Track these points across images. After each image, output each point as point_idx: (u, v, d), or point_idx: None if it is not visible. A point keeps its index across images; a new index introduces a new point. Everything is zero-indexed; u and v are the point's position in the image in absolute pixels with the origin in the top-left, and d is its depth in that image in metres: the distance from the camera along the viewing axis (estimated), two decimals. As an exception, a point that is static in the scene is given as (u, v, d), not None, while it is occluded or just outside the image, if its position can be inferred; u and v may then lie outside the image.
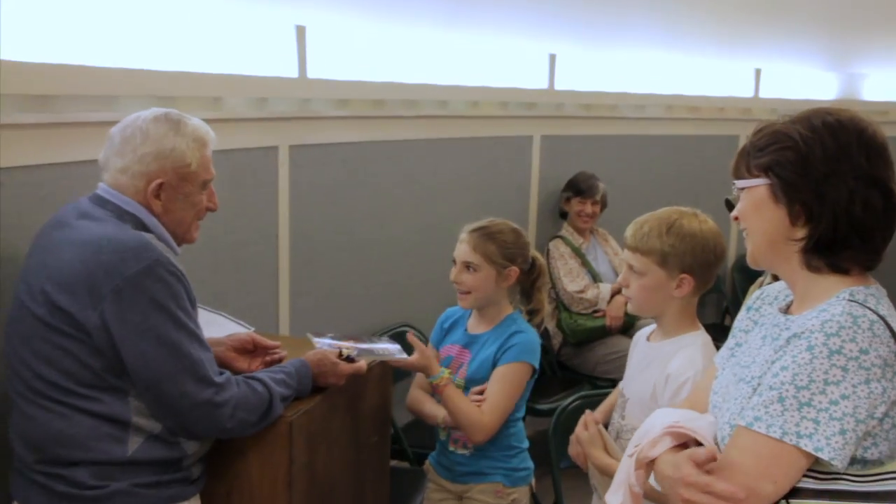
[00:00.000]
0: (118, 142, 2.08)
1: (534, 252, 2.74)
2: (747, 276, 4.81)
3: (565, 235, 4.54)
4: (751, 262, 1.73)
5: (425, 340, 3.12)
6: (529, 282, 2.73)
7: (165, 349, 1.92)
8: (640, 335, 2.47)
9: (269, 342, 2.39)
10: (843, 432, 1.46)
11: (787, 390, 1.49)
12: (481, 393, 2.60)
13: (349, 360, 2.34)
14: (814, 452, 1.46)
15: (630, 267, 2.32)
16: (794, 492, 1.50)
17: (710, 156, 5.43)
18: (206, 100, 2.99)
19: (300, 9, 3.29)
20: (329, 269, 3.59)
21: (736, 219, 1.72)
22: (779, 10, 5.61)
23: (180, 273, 2.00)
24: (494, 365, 2.61)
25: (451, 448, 2.71)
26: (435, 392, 2.59)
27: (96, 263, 1.92)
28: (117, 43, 2.67)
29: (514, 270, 2.65)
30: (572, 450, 2.26)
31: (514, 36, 4.36)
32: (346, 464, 2.46)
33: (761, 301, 1.84)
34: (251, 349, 2.37)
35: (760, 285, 2.35)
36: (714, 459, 1.52)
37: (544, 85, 4.62)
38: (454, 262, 2.68)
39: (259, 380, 2.10)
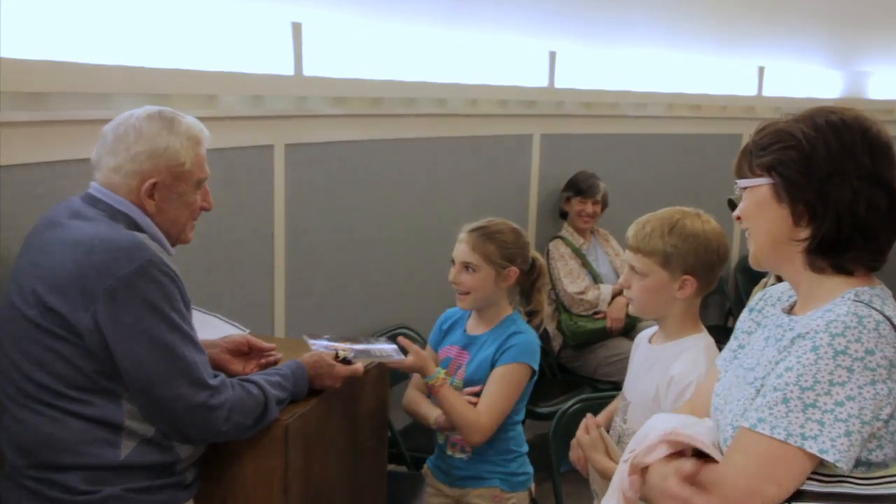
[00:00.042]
0: (111, 140, 2.08)
1: (534, 252, 2.74)
2: (750, 278, 4.82)
3: (565, 236, 4.53)
4: (753, 263, 1.73)
5: (423, 342, 3.12)
6: (529, 282, 2.73)
7: (159, 351, 1.92)
8: (642, 337, 2.47)
9: (265, 344, 2.39)
10: (848, 434, 1.46)
11: (791, 391, 1.49)
12: (477, 394, 2.60)
13: (345, 361, 2.34)
14: (819, 454, 1.46)
15: (631, 268, 2.32)
16: (798, 494, 1.50)
17: (712, 155, 5.44)
18: (200, 97, 2.99)
19: (296, 5, 3.29)
20: (326, 269, 3.59)
21: (738, 218, 1.72)
22: (782, 7, 5.62)
23: (174, 273, 1.99)
24: (493, 366, 2.61)
25: (449, 452, 2.71)
26: (431, 393, 2.59)
27: (88, 264, 1.92)
28: (111, 40, 2.67)
29: (514, 271, 2.65)
30: (573, 454, 2.26)
31: (514, 33, 4.36)
32: (342, 468, 2.46)
33: (764, 302, 1.84)
34: (246, 351, 2.37)
35: (764, 286, 2.35)
36: (697, 473, 1.54)
37: (544, 83, 4.62)
38: (453, 262, 2.68)
39: (254, 382, 2.10)
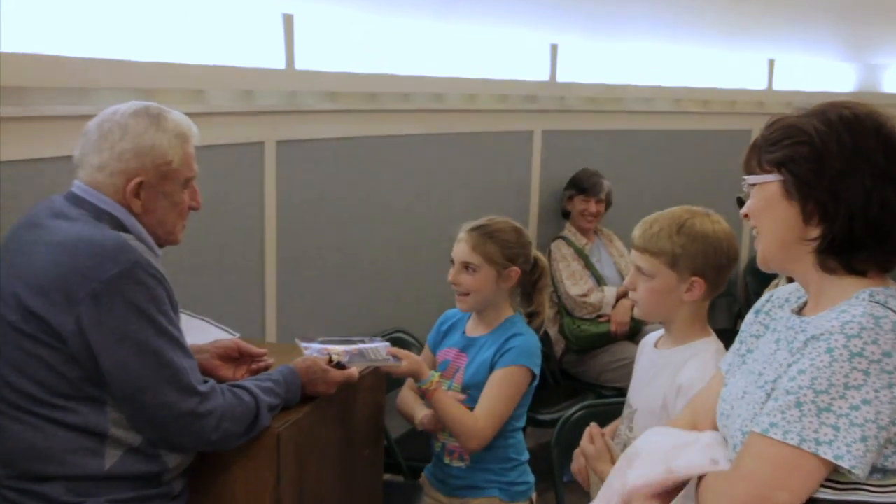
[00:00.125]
0: (95, 137, 2.07)
1: (536, 252, 2.75)
2: (760, 280, 4.82)
3: (568, 236, 4.54)
4: (761, 264, 1.73)
5: (419, 345, 3.13)
6: (531, 283, 2.73)
7: (146, 357, 1.92)
8: (647, 341, 2.47)
9: (255, 349, 2.39)
10: (864, 439, 1.46)
11: (805, 395, 1.49)
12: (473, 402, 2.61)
13: (339, 366, 2.33)
14: (833, 460, 1.46)
15: (637, 269, 2.32)
16: (811, 502, 1.50)
17: (720, 152, 5.44)
18: (188, 92, 2.99)
19: (287, -4, 3.30)
20: (318, 271, 3.59)
21: (746, 216, 1.72)
22: (793, -2, 5.63)
23: (161, 276, 1.99)
24: (491, 369, 2.61)
25: (447, 460, 2.71)
26: (425, 397, 2.59)
27: (72, 266, 1.91)
28: (94, 32, 2.67)
29: (515, 271, 2.66)
30: (574, 465, 2.25)
31: (514, 25, 4.36)
32: (336, 478, 2.46)
33: (771, 304, 1.84)
34: (236, 356, 2.37)
35: (776, 288, 2.35)
36: None
37: (545, 77, 4.63)
38: (452, 262, 2.68)
39: (245, 388, 2.10)
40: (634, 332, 4.30)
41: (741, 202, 1.76)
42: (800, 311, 1.73)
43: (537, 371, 2.64)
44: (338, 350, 2.38)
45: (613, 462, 2.14)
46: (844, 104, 1.64)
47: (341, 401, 2.40)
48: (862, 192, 1.57)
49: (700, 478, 1.63)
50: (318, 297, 3.59)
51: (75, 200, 2.05)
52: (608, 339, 4.33)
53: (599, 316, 4.35)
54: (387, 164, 3.85)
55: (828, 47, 6.14)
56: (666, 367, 2.30)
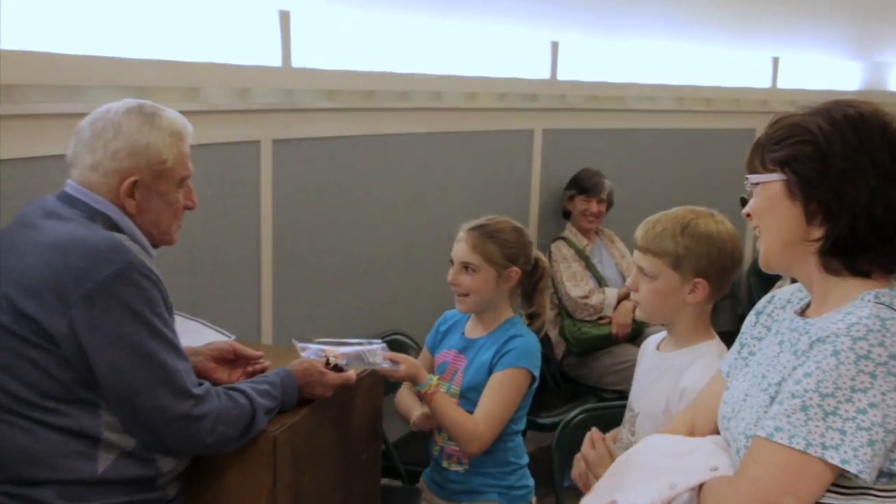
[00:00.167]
0: (88, 136, 2.07)
1: (536, 252, 2.75)
2: (764, 281, 4.82)
3: (568, 237, 4.54)
4: (763, 265, 1.73)
5: (418, 348, 3.13)
6: (531, 284, 2.74)
7: (140, 359, 1.92)
8: (649, 343, 2.47)
9: (251, 351, 2.39)
10: (871, 443, 1.46)
11: (811, 398, 1.49)
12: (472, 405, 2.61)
13: (337, 369, 2.34)
14: (840, 465, 1.46)
15: (640, 269, 2.32)
16: (818, 507, 1.50)
17: (724, 151, 5.44)
18: (182, 90, 2.99)
19: (284, -8, 3.30)
20: (315, 272, 3.59)
21: (748, 216, 1.72)
22: (798, -6, 5.64)
23: (155, 277, 1.99)
24: (491, 371, 2.61)
25: (445, 464, 2.72)
26: (424, 401, 2.59)
27: (64, 267, 1.91)
28: (87, 29, 2.67)
29: (516, 271, 2.66)
30: (575, 470, 2.24)
31: (514, 22, 4.36)
32: (333, 482, 2.45)
33: (773, 306, 1.84)
34: (231, 359, 2.37)
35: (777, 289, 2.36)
36: None
37: (546, 75, 4.63)
38: (451, 262, 2.68)
39: (241, 391, 2.10)
40: (636, 334, 4.30)
41: (745, 202, 1.76)
42: (802, 313, 1.73)
43: (537, 373, 2.65)
44: (335, 352, 2.38)
45: None
46: (849, 103, 1.64)
47: (338, 404, 2.40)
48: (866, 193, 1.58)
49: (701, 484, 1.64)
50: (315, 298, 3.59)
51: (68, 200, 2.05)
52: (609, 341, 4.33)
53: (601, 318, 4.34)
54: (385, 163, 3.85)
55: (833, 45, 6.15)
56: (668, 371, 2.30)
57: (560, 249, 4.47)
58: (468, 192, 4.25)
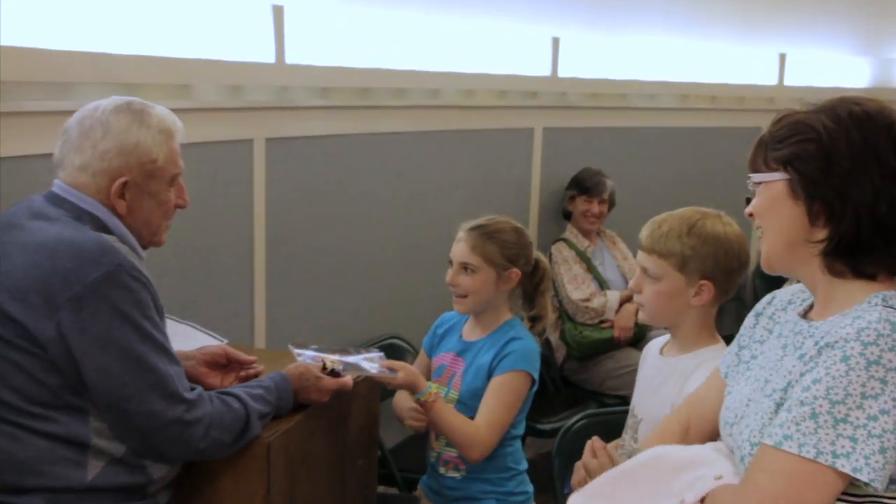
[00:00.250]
0: (76, 136, 2.07)
1: (537, 253, 2.75)
2: (769, 284, 4.82)
3: (569, 238, 4.54)
4: (765, 265, 1.74)
5: (414, 352, 3.13)
6: (532, 285, 2.74)
7: (130, 363, 1.92)
8: (651, 347, 2.47)
9: (244, 356, 2.39)
10: (882, 451, 1.46)
11: (820, 405, 1.49)
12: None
13: (333, 374, 2.34)
14: (852, 473, 1.46)
15: (644, 270, 2.32)
16: (826, 516, 1.50)
17: (729, 150, 5.43)
18: (173, 87, 2.99)
19: (277, -13, 3.30)
20: (310, 274, 3.59)
21: (751, 215, 1.73)
22: (805, -10, 5.65)
23: (146, 279, 1.99)
24: (490, 375, 2.61)
25: (442, 470, 2.72)
26: (423, 410, 2.59)
27: (52, 269, 1.91)
28: (75, 23, 2.67)
29: (516, 273, 2.66)
30: (575, 478, 2.24)
31: (514, 18, 4.37)
32: (329, 489, 2.46)
33: (774, 307, 1.84)
34: (224, 363, 2.37)
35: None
36: None
37: (546, 72, 4.63)
38: (450, 262, 2.68)
39: (234, 395, 2.10)
40: (639, 337, 4.30)
41: (750, 202, 1.77)
42: (805, 315, 1.73)
43: (536, 376, 2.65)
44: (332, 357, 2.38)
45: None
46: (855, 100, 1.64)
47: (334, 409, 2.40)
48: (871, 192, 1.58)
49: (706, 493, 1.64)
50: (309, 301, 3.59)
51: (55, 200, 2.05)
52: (611, 345, 4.33)
53: (602, 321, 4.34)
54: (381, 162, 3.85)
55: (841, 41, 6.15)
56: (672, 376, 2.30)
57: (560, 251, 4.47)
58: (466, 192, 4.25)
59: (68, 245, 1.94)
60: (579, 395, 4.35)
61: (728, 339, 2.38)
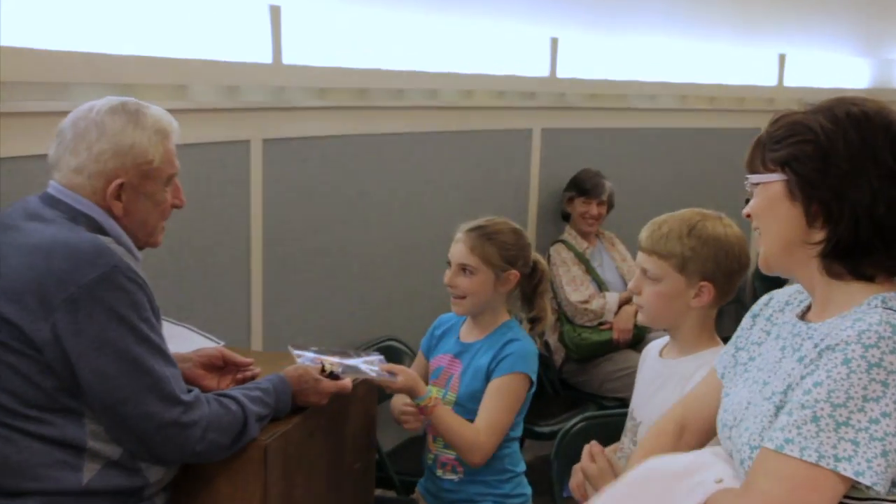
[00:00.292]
0: (70, 137, 2.06)
1: (535, 254, 2.75)
2: (769, 286, 4.81)
3: (568, 239, 4.54)
4: (762, 266, 1.74)
5: (412, 354, 3.13)
6: (531, 287, 2.74)
7: (126, 365, 1.92)
8: (651, 349, 2.47)
9: (241, 358, 2.39)
10: (885, 454, 1.45)
11: (822, 409, 1.49)
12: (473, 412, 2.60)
13: (333, 376, 2.33)
14: (854, 477, 1.45)
15: (643, 272, 2.32)
16: (828, 520, 1.50)
17: (728, 151, 5.41)
18: (169, 88, 2.99)
19: (274, -13, 3.30)
20: (307, 276, 3.59)
21: (748, 216, 1.73)
22: (805, -10, 5.65)
23: (142, 280, 1.99)
24: (488, 377, 2.62)
25: (439, 472, 2.72)
26: (423, 415, 2.59)
27: (47, 270, 1.91)
28: (71, 23, 2.67)
29: (514, 274, 2.66)
30: (573, 480, 2.24)
31: (512, 18, 4.37)
32: (326, 492, 2.46)
33: (771, 309, 1.84)
34: (221, 366, 2.37)
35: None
36: None
37: (545, 73, 4.63)
38: (448, 263, 2.69)
39: (232, 397, 2.10)
40: (638, 340, 4.30)
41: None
42: (803, 316, 1.73)
43: (535, 377, 2.65)
44: (332, 360, 2.38)
45: None
46: (853, 100, 1.64)
47: (331, 412, 2.40)
48: (868, 194, 1.57)
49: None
50: (306, 302, 3.59)
51: (50, 201, 2.05)
52: (610, 347, 4.33)
53: (601, 323, 4.34)
54: (378, 163, 3.85)
55: (841, 42, 6.16)
56: (672, 378, 2.30)
57: (559, 253, 4.47)
58: (464, 193, 4.25)
59: (64, 246, 1.94)
60: (578, 397, 4.35)
61: (727, 342, 2.39)
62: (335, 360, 2.40)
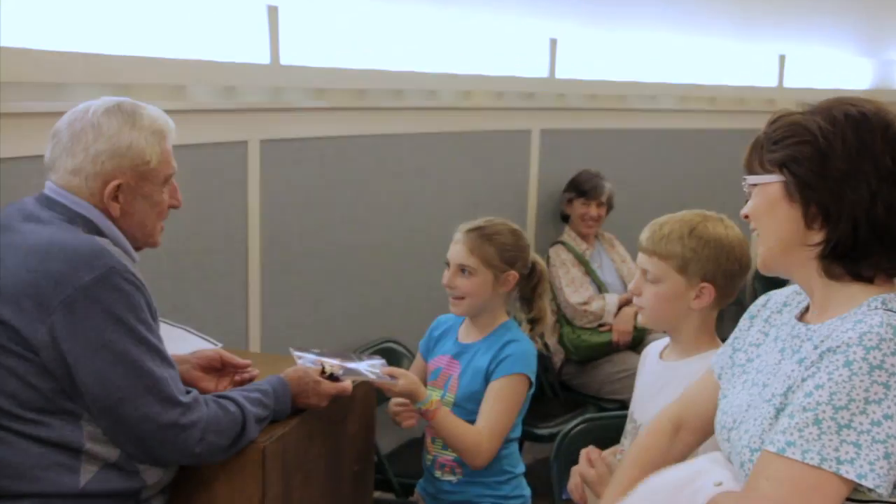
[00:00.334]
0: (67, 138, 2.06)
1: (534, 255, 2.76)
2: (770, 288, 4.81)
3: (567, 241, 4.54)
4: (761, 267, 1.74)
5: (411, 357, 3.12)
6: (529, 288, 2.75)
7: (124, 367, 1.92)
8: (650, 351, 2.47)
9: (239, 360, 2.39)
10: (887, 456, 1.45)
11: (823, 411, 1.48)
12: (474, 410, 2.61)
13: (333, 378, 2.33)
14: (856, 480, 1.45)
15: (644, 273, 2.32)
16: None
17: (728, 152, 5.42)
18: (166, 88, 2.99)
19: (272, -13, 3.30)
20: (305, 277, 3.59)
21: (746, 217, 1.73)
22: (805, -10, 5.66)
23: (139, 282, 1.99)
24: (487, 379, 2.62)
25: (437, 474, 2.72)
26: (425, 419, 2.59)
27: (44, 272, 1.91)
28: (68, 24, 2.67)
29: (513, 275, 2.67)
30: (572, 482, 2.24)
31: (511, 18, 4.37)
32: (324, 495, 2.46)
33: (769, 310, 1.85)
34: (219, 367, 2.37)
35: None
36: None
37: (544, 73, 4.64)
38: (447, 264, 2.69)
39: (231, 399, 2.10)
40: (637, 341, 4.30)
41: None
42: (801, 317, 1.73)
43: (534, 378, 2.66)
44: (332, 362, 2.38)
45: None
46: (851, 101, 1.64)
47: (330, 414, 2.40)
48: (867, 195, 1.58)
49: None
50: (304, 304, 3.59)
51: (47, 203, 2.05)
52: (610, 349, 4.33)
53: (601, 325, 4.34)
54: (377, 164, 3.85)
55: (842, 41, 6.16)
56: (673, 380, 2.30)
57: (559, 254, 4.47)
58: (463, 194, 4.25)
59: (60, 248, 1.94)
60: (577, 399, 4.35)
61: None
62: (336, 362, 2.40)
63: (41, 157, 2.12)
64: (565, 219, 4.68)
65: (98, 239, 2.00)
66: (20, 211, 2.05)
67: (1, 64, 2.46)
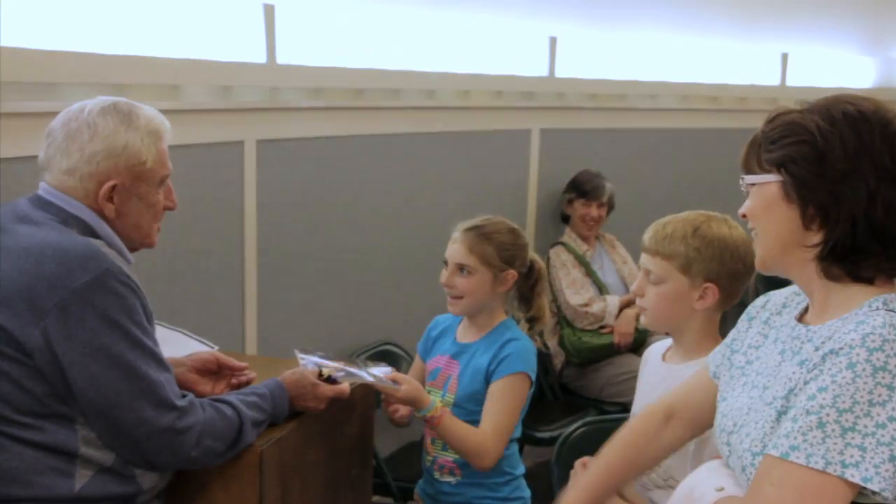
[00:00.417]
0: (61, 138, 2.06)
1: (532, 254, 2.76)
2: (772, 289, 4.82)
3: (567, 242, 4.54)
4: (759, 266, 1.74)
5: (410, 358, 3.12)
6: (528, 286, 2.75)
7: (119, 370, 1.92)
8: (652, 352, 2.47)
9: (235, 363, 2.39)
10: (892, 459, 1.45)
11: (827, 414, 1.48)
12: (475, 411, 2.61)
13: (331, 381, 2.33)
14: (862, 483, 1.45)
15: (647, 273, 2.32)
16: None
17: (730, 151, 5.38)
18: (162, 88, 2.99)
19: (269, -15, 3.30)
20: (301, 279, 3.59)
21: (744, 216, 1.73)
22: (808, -13, 5.66)
23: (134, 284, 1.99)
24: (488, 378, 2.62)
25: (437, 475, 2.72)
26: (429, 425, 2.59)
27: (38, 274, 1.91)
28: (63, 23, 2.67)
29: (512, 274, 2.67)
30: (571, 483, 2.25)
31: (510, 16, 4.37)
32: (322, 499, 2.46)
33: (768, 311, 1.84)
34: (215, 370, 2.37)
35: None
36: None
37: (544, 72, 4.64)
38: (445, 263, 2.69)
39: (228, 402, 2.10)
40: (639, 343, 4.29)
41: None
42: (801, 318, 1.73)
43: (534, 376, 2.66)
44: (331, 365, 2.38)
45: (618, 491, 2.14)
46: (849, 99, 1.63)
47: (328, 417, 2.40)
48: (865, 195, 1.57)
49: None
50: (301, 306, 3.59)
51: (41, 204, 2.05)
52: (611, 351, 4.33)
53: (602, 327, 4.35)
54: (374, 164, 3.86)
55: (845, 40, 6.17)
56: (675, 383, 2.29)
57: (559, 255, 4.47)
58: (462, 195, 4.25)
59: (54, 250, 1.94)
60: (578, 402, 4.35)
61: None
62: (340, 366, 2.39)
63: (35, 157, 2.12)
64: (565, 219, 4.67)
65: (92, 241, 2.00)
66: (13, 212, 2.05)
67: (-3, 64, 2.47)
